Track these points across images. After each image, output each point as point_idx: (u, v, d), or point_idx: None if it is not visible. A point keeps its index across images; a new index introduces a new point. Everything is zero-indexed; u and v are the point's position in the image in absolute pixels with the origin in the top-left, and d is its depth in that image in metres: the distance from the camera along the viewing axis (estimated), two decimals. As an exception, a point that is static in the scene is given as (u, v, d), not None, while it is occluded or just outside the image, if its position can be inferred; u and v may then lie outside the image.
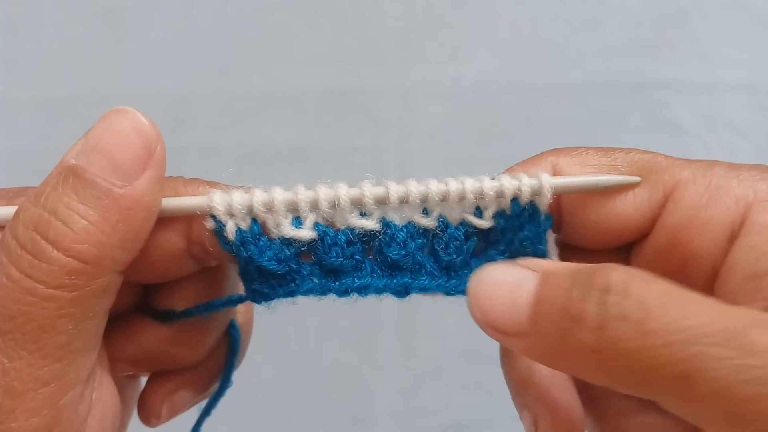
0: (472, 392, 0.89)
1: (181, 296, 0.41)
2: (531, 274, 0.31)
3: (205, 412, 0.47)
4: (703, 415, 0.28)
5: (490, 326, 0.32)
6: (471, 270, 0.37)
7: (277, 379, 0.88)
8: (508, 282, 0.32)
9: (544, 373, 0.37)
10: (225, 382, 0.46)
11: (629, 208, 0.37)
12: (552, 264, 0.32)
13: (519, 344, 0.32)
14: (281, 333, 0.86)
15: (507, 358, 0.39)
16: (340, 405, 0.89)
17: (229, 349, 0.45)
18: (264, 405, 0.88)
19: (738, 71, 0.89)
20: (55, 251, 0.31)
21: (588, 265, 0.31)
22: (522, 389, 0.38)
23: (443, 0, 0.90)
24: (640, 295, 0.28)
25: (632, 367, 0.28)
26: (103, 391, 0.36)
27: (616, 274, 0.29)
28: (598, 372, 0.30)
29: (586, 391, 0.39)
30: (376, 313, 0.87)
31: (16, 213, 0.33)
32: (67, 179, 0.32)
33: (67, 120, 0.88)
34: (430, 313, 0.87)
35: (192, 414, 0.46)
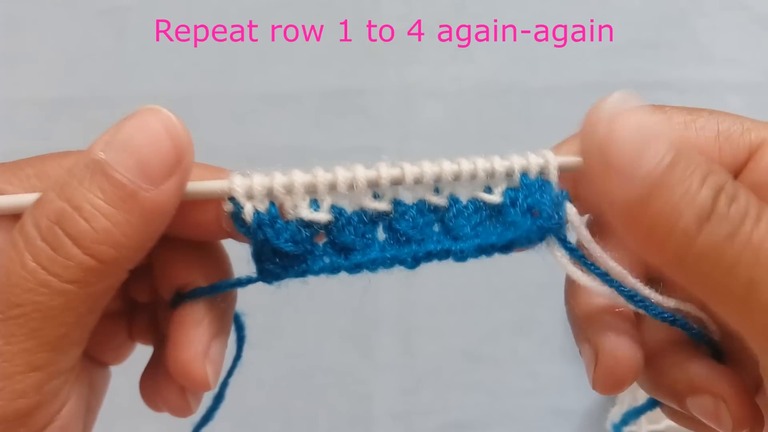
0: (472, 392, 0.89)
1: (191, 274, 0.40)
2: (666, 147, 0.32)
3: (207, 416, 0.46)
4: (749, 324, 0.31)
5: (604, 156, 0.33)
6: (479, 238, 0.38)
7: (276, 379, 0.88)
8: (644, 137, 0.33)
9: (609, 310, 0.39)
10: (236, 360, 0.45)
11: None
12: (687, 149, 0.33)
13: (611, 184, 0.33)
14: (280, 333, 0.86)
15: (573, 291, 0.40)
16: (339, 405, 0.89)
17: (237, 335, 0.45)
18: (263, 405, 0.88)
19: (738, 71, 0.89)
20: (75, 248, 0.32)
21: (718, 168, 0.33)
22: (586, 323, 0.39)
23: (443, 0, 0.90)
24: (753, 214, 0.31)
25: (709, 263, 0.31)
26: (80, 383, 0.37)
27: (737, 184, 0.32)
28: (659, 253, 0.32)
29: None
30: (376, 313, 0.87)
31: (39, 202, 0.33)
32: (94, 175, 0.32)
33: (67, 120, 0.88)
34: (430, 313, 0.87)
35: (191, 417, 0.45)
